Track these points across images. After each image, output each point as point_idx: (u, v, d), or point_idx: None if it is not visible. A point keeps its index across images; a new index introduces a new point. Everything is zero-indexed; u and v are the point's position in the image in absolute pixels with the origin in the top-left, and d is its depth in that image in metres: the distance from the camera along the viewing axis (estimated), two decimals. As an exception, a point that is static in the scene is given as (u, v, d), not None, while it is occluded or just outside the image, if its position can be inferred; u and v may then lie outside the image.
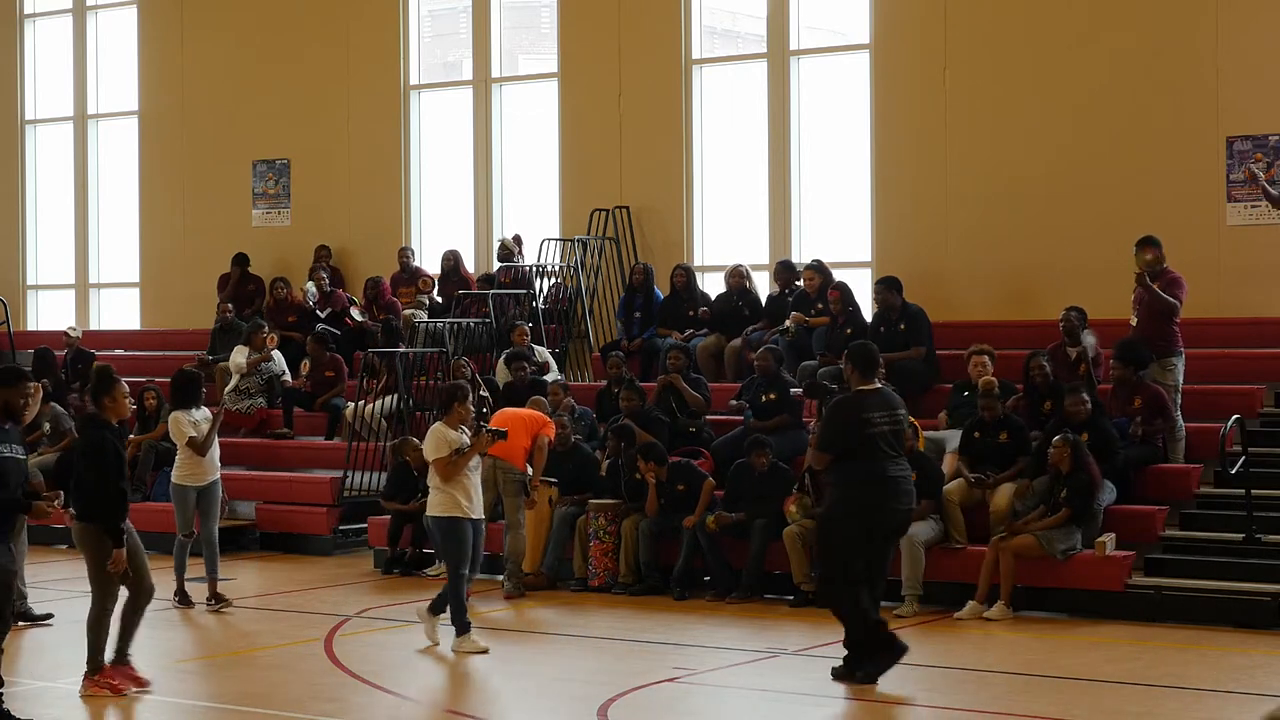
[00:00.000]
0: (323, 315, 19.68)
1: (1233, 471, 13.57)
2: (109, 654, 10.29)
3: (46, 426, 17.76)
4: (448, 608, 11.59)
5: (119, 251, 23.23)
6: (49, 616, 12.70)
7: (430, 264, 20.12)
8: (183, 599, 13.47)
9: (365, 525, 16.48)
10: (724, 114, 18.95)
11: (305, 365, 18.84)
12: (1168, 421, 13.93)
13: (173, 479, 13.61)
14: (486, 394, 15.53)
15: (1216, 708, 9.88)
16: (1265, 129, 15.89)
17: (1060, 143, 16.75)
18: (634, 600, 13.80)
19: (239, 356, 18.64)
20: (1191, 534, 13.51)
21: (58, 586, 14.34)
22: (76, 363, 20.00)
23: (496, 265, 19.25)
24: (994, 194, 17.02)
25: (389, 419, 17.46)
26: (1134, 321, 14.41)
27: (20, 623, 12.04)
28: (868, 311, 16.24)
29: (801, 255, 17.68)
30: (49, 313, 23.81)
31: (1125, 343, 14.11)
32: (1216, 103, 16.07)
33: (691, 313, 17.48)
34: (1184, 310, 14.43)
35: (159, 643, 11.81)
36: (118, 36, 23.17)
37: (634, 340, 17.54)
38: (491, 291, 18.39)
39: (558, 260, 18.81)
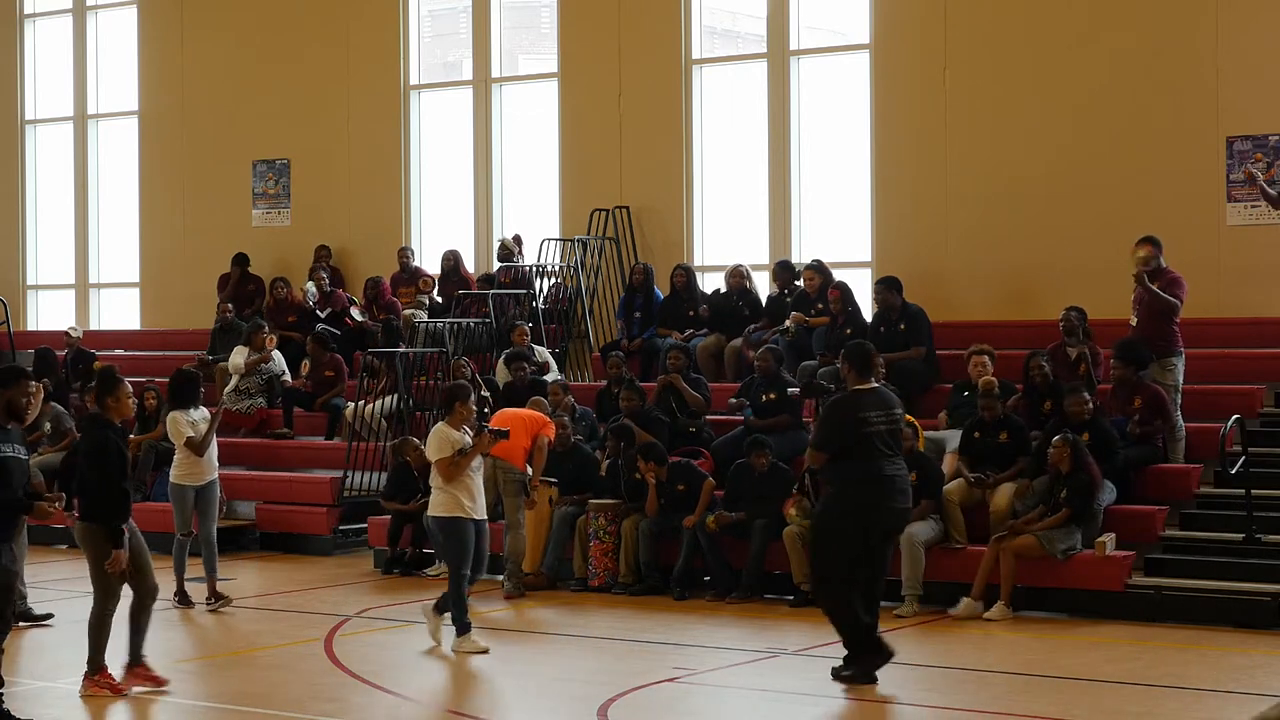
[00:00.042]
0: (323, 315, 19.68)
1: (1233, 471, 13.57)
2: (125, 657, 10.31)
3: (47, 426, 17.77)
4: (451, 607, 11.61)
5: (119, 251, 23.23)
6: (49, 616, 12.70)
7: (430, 264, 20.12)
8: (183, 599, 13.48)
9: (365, 525, 16.48)
10: (724, 114, 18.95)
11: (305, 365, 18.85)
12: (1167, 421, 13.93)
13: (171, 478, 13.62)
14: (487, 394, 15.53)
15: (1216, 708, 9.88)
16: (1265, 129, 15.89)
17: (1060, 143, 16.75)
18: (634, 600, 13.81)
19: (237, 358, 18.64)
20: (1191, 534, 13.51)
21: (58, 586, 14.35)
22: (77, 363, 20.01)
23: (496, 265, 19.25)
24: (994, 194, 17.02)
25: (389, 419, 17.46)
26: (1134, 321, 14.41)
27: (20, 623, 12.04)
28: (868, 311, 16.24)
29: (801, 255, 17.68)
30: (49, 313, 23.81)
31: (1125, 343, 14.11)
32: (1216, 103, 16.07)
33: (691, 313, 17.49)
34: (1184, 310, 14.43)
35: (159, 643, 11.78)
36: (118, 36, 23.17)
37: (634, 340, 17.55)
38: (491, 291, 18.40)
39: (558, 260, 18.81)
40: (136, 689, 10.20)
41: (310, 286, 19.96)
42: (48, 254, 23.95)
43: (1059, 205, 16.68)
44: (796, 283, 16.88)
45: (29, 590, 12.77)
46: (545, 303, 18.70)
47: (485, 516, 11.68)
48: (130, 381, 10.61)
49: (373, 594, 14.48)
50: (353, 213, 21.04)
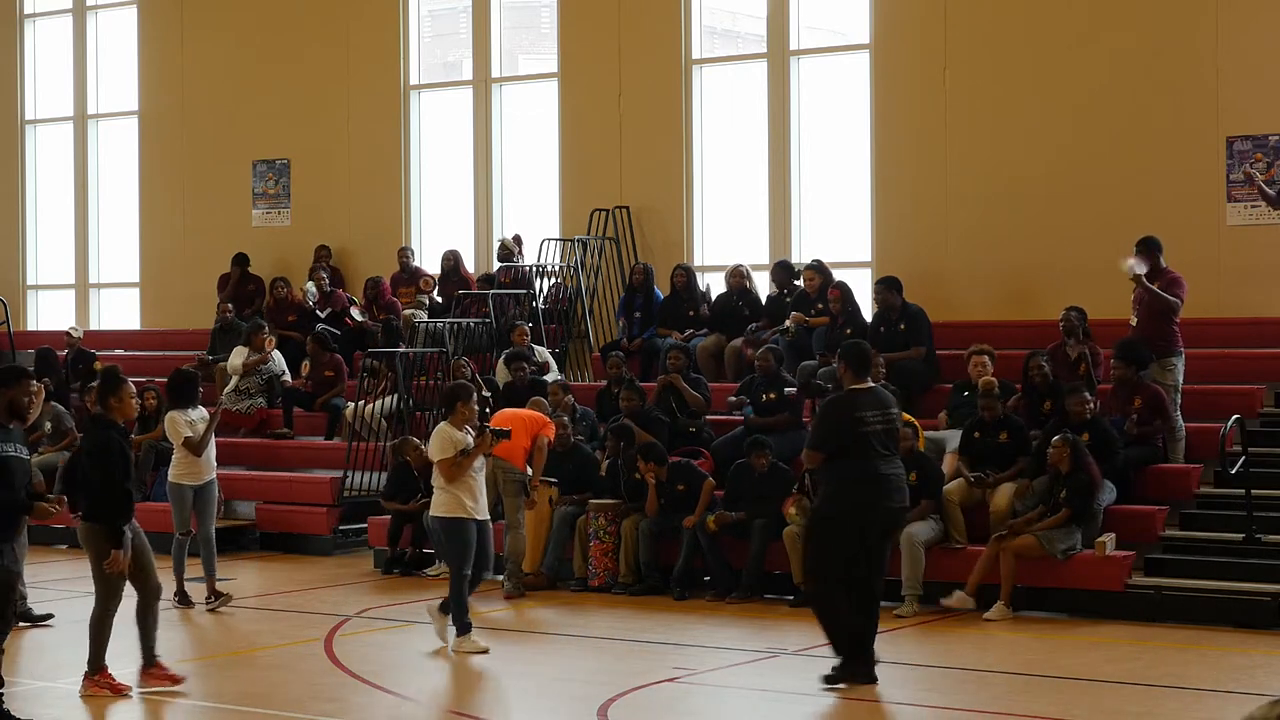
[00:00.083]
0: (323, 315, 19.69)
1: (1233, 471, 13.57)
2: (140, 661, 10.30)
3: (47, 426, 17.78)
4: (455, 607, 11.61)
5: (119, 251, 23.24)
6: (49, 617, 12.70)
7: (430, 264, 20.12)
8: (183, 599, 13.48)
9: (365, 525, 16.48)
10: (724, 114, 18.95)
11: (305, 365, 18.84)
12: (1167, 421, 13.93)
13: (169, 478, 13.62)
14: (488, 394, 15.52)
15: (1216, 708, 9.87)
16: (1265, 129, 15.89)
17: (1060, 143, 16.76)
18: (634, 600, 13.81)
19: (236, 358, 18.64)
20: (1191, 534, 13.51)
21: (58, 586, 14.35)
22: (78, 363, 20.01)
23: (496, 265, 19.25)
24: (994, 194, 17.02)
25: (389, 419, 17.46)
26: (1134, 321, 14.42)
27: (20, 623, 12.04)
28: (868, 311, 16.25)
29: (801, 255, 17.68)
30: (49, 313, 23.82)
31: (1125, 342, 14.11)
32: (1216, 103, 16.07)
33: (691, 312, 17.50)
34: (1184, 310, 14.44)
35: (159, 643, 11.78)
36: (118, 36, 23.18)
37: (634, 340, 17.55)
38: (491, 291, 18.40)
39: (558, 260, 18.81)
40: (153, 690, 10.18)
41: (310, 286, 19.96)
42: (48, 254, 23.95)
43: (1059, 205, 16.68)
44: (796, 283, 16.88)
45: (29, 590, 12.76)
46: (545, 303, 18.70)
47: (488, 517, 11.67)
48: (131, 381, 10.61)
49: (373, 594, 14.48)
50: (353, 213, 21.04)
